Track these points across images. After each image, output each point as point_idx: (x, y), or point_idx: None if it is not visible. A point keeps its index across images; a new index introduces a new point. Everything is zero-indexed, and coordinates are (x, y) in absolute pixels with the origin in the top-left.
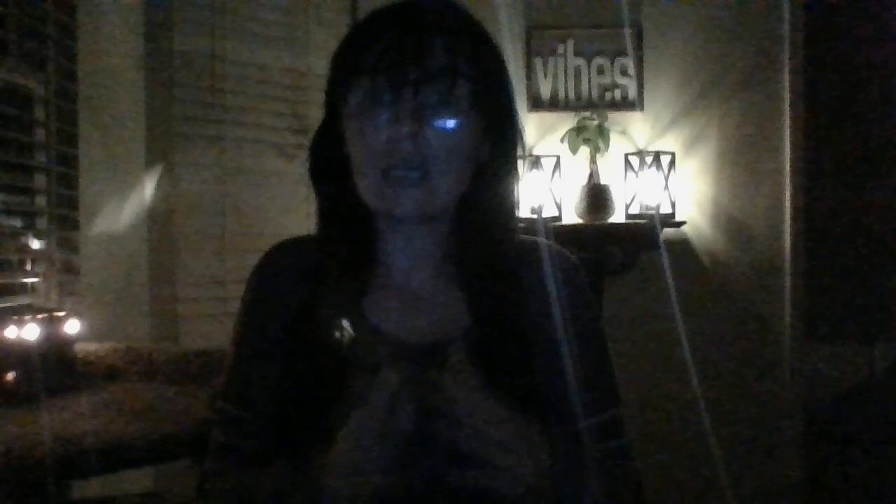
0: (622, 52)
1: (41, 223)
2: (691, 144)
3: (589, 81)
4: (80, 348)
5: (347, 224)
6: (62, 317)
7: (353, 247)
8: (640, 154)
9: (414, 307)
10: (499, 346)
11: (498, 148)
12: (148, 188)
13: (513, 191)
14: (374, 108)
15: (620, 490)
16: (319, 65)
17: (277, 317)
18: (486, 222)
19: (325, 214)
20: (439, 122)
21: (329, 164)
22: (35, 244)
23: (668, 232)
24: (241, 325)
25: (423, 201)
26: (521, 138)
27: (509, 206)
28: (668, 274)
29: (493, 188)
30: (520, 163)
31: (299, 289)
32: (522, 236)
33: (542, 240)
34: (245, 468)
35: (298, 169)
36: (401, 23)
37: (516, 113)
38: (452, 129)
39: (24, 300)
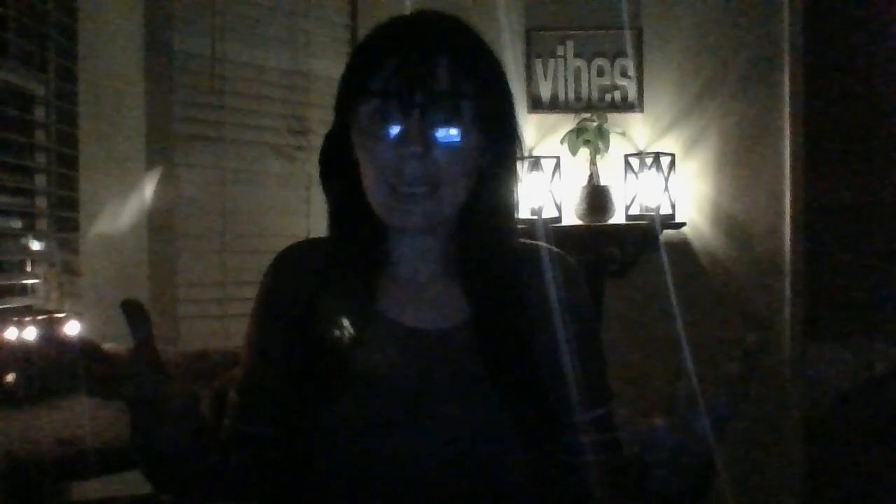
0: (622, 54)
1: (41, 224)
2: (691, 145)
3: (589, 83)
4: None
5: (357, 224)
6: (62, 318)
7: (363, 245)
8: (640, 155)
9: (420, 299)
10: (496, 338)
11: (498, 153)
12: (148, 188)
13: (513, 193)
14: (383, 127)
15: (606, 479)
16: (319, 65)
17: (290, 311)
18: (487, 223)
19: (335, 215)
20: (445, 142)
21: (338, 168)
22: (35, 245)
23: (668, 233)
24: (255, 319)
25: (430, 213)
26: (521, 143)
27: (509, 208)
28: (668, 275)
29: (494, 192)
30: (519, 165)
31: (311, 284)
32: (524, 240)
33: (543, 244)
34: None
35: (298, 170)
36: (407, 42)
37: (516, 120)
38: (457, 147)
39: (24, 301)
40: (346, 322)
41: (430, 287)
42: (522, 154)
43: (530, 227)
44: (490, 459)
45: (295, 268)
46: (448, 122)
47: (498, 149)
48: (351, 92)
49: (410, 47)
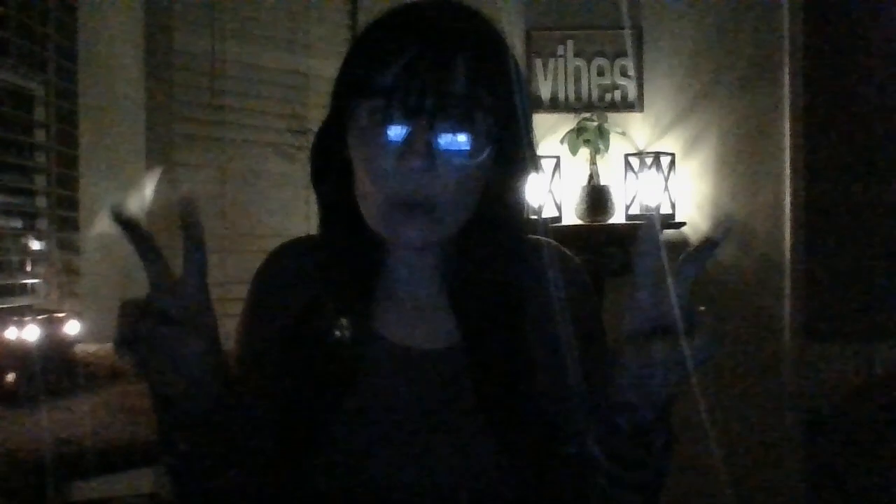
0: (622, 54)
1: (41, 224)
2: (691, 145)
3: (589, 82)
4: (80, 349)
5: (351, 232)
6: (62, 318)
7: (356, 254)
8: (640, 155)
9: (414, 315)
10: (485, 363)
11: (509, 159)
12: (148, 188)
13: (522, 202)
14: (383, 131)
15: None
16: (319, 65)
17: (279, 318)
18: (489, 243)
19: (327, 219)
20: (453, 157)
21: (332, 168)
22: (35, 245)
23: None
24: (244, 326)
25: (429, 233)
26: (535, 149)
27: (518, 218)
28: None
29: (502, 202)
30: (531, 172)
31: (302, 291)
32: (528, 237)
33: (544, 240)
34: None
35: (298, 170)
36: (421, 34)
37: (533, 132)
38: (467, 163)
39: (24, 301)
40: (338, 337)
41: (425, 302)
42: (537, 169)
43: (530, 227)
44: (478, 485)
45: (285, 273)
46: (459, 134)
47: (508, 152)
48: (350, 85)
49: (425, 40)
